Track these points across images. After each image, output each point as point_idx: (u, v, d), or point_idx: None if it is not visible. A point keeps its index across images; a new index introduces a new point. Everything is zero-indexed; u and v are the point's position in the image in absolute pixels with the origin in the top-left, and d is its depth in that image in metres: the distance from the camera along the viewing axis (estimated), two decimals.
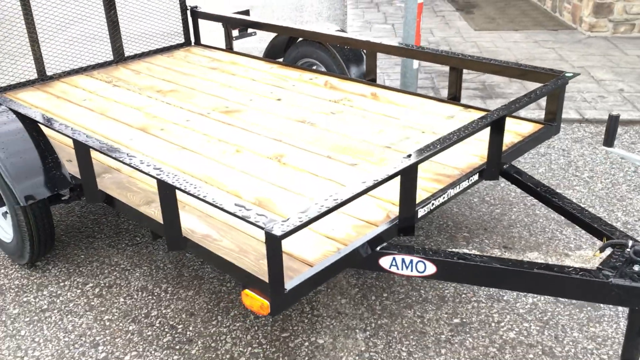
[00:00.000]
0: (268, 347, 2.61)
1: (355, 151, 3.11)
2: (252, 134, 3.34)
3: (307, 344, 2.63)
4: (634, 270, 2.17)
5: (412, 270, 2.36)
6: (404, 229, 2.46)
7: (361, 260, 2.36)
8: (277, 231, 1.88)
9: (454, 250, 2.32)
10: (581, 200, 3.80)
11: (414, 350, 2.59)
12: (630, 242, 2.30)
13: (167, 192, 2.26)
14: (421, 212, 2.55)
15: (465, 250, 3.17)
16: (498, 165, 2.88)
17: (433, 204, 2.61)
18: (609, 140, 2.09)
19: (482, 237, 3.39)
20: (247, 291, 2.13)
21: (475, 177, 2.85)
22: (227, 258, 2.24)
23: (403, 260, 2.35)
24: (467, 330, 2.70)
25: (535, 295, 2.92)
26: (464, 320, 2.77)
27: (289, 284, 2.07)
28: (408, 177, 2.33)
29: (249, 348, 2.61)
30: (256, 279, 2.12)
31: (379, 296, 2.93)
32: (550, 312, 2.82)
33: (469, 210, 3.68)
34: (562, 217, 3.56)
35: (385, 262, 2.37)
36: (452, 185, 2.73)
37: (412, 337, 2.67)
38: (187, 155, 3.11)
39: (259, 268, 2.18)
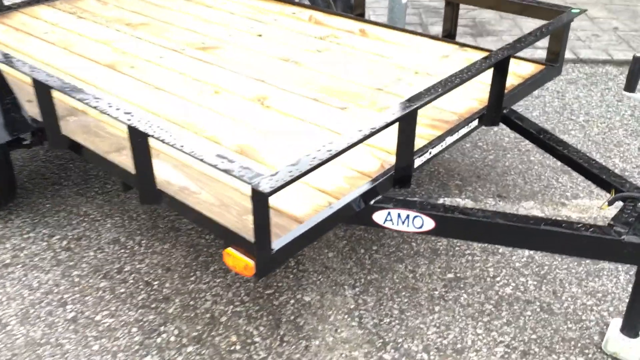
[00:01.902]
0: (251, 305, 2.44)
1: (344, 93, 2.86)
2: (231, 73, 3.07)
3: (292, 301, 2.47)
4: None
5: (408, 226, 2.18)
6: (400, 180, 2.26)
7: (354, 216, 2.17)
8: (265, 187, 1.66)
9: (454, 204, 2.14)
10: (577, 145, 3.63)
11: (406, 308, 2.44)
12: None
13: (139, 140, 2.01)
14: (417, 162, 2.35)
15: (467, 201, 3.01)
16: (499, 110, 2.68)
17: (430, 152, 2.41)
18: (631, 85, 1.89)
19: (475, 185, 3.22)
20: (229, 250, 1.93)
21: (475, 122, 2.64)
22: (207, 213, 2.02)
23: (399, 215, 2.16)
24: (462, 285, 2.56)
25: None
26: (458, 275, 2.62)
27: (276, 243, 1.87)
28: (407, 124, 2.11)
29: (231, 306, 2.43)
30: (240, 238, 1.92)
31: (368, 249, 2.76)
32: (547, 265, 2.68)
33: (461, 156, 3.49)
34: (558, 164, 3.40)
35: (379, 217, 2.18)
36: (450, 132, 2.52)
37: (404, 293, 2.52)
38: (160, 96, 2.83)
39: (243, 224, 1.98)
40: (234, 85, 2.94)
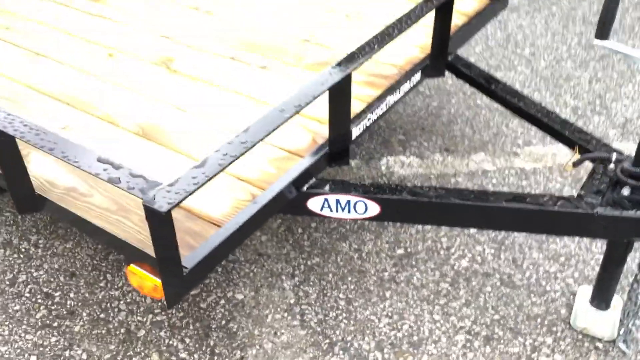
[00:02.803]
0: (174, 312, 2.09)
1: (265, 48, 2.44)
2: (129, 30, 2.57)
3: (222, 301, 2.13)
4: (622, 194, 1.74)
5: (350, 212, 1.84)
6: (337, 157, 1.91)
7: (284, 205, 1.81)
8: (161, 203, 1.28)
9: (401, 184, 1.81)
10: (525, 83, 3.35)
11: (353, 297, 2.14)
12: (613, 156, 1.86)
13: (3, 141, 1.57)
14: (356, 132, 1.99)
15: (412, 159, 2.68)
16: (444, 57, 2.32)
17: (369, 118, 2.05)
18: (604, 32, 1.58)
19: (420, 140, 2.90)
20: (133, 267, 1.55)
21: (418, 76, 2.28)
22: (100, 223, 1.63)
23: (338, 202, 1.82)
24: (414, 262, 2.27)
25: None
26: (409, 250, 2.33)
27: (189, 259, 1.50)
28: (340, 93, 1.74)
29: (150, 315, 2.07)
30: (144, 253, 1.54)
31: (306, 228, 2.42)
32: None
33: (401, 105, 3.15)
34: None
35: (315, 204, 1.83)
36: (391, 90, 2.16)
37: (349, 278, 2.22)
38: (42, 65, 2.33)
39: (147, 234, 1.59)
40: (133, 45, 2.46)
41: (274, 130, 1.51)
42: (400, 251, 2.32)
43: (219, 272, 2.23)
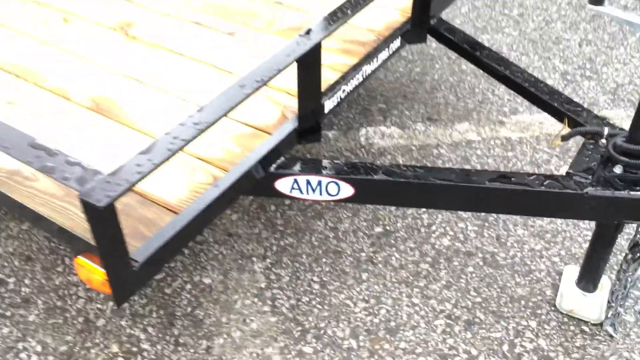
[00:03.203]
0: (136, 298, 1.96)
1: (234, 12, 2.25)
2: None
3: (189, 286, 2.00)
4: (614, 173, 1.61)
5: (321, 194, 1.70)
6: (307, 134, 1.76)
7: (250, 187, 1.67)
8: (100, 198, 1.13)
9: (377, 164, 1.67)
10: (512, 46, 3.18)
11: (328, 280, 2.03)
12: (605, 130, 1.72)
13: None
14: (329, 105, 1.83)
15: (393, 130, 2.53)
16: (426, 21, 2.16)
17: (344, 90, 1.89)
18: None
19: (401, 108, 2.75)
20: (80, 259, 1.42)
21: (397, 42, 2.12)
22: (44, 211, 1.48)
23: (308, 183, 1.68)
24: (392, 241, 2.15)
25: None
26: (388, 228, 2.20)
27: (140, 252, 1.36)
28: (309, 64, 1.58)
29: (110, 303, 1.94)
30: (91, 245, 1.40)
31: (279, 205, 2.29)
32: None
33: (383, 71, 2.98)
34: None
35: (283, 185, 1.69)
36: (368, 58, 2.00)
37: (324, 260, 2.09)
38: None
39: None
40: (89, 9, 2.27)
41: (231, 109, 1.35)
42: (378, 229, 2.20)
43: (185, 254, 2.10)
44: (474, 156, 2.50)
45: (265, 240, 2.16)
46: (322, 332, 1.87)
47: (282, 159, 1.70)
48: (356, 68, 1.95)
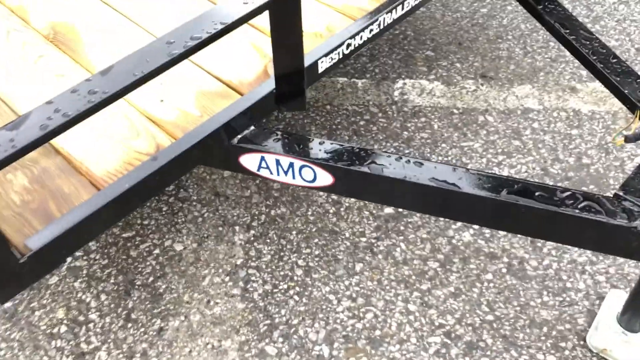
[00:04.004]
0: (98, 257, 1.75)
1: None
2: None
3: (157, 251, 1.76)
4: None
5: (294, 178, 1.37)
6: (287, 98, 1.41)
7: (209, 158, 1.37)
8: None
9: (368, 149, 1.31)
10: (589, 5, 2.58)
11: (315, 266, 1.73)
12: None
13: None
14: (325, 64, 1.46)
15: (436, 85, 2.11)
16: None
17: (350, 45, 1.50)
18: None
19: (452, 59, 2.30)
20: None
21: None
22: None
23: (278, 163, 1.35)
24: (402, 228, 1.80)
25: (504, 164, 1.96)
26: (401, 209, 1.85)
27: (34, 241, 1.11)
28: (284, 11, 1.21)
29: (69, 259, 1.74)
30: None
31: None
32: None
33: (440, 9, 2.51)
34: None
35: (249, 162, 1.37)
36: (389, 4, 1.58)
37: (317, 240, 1.78)
38: None
39: None
40: None
41: (150, 77, 1.03)
42: (389, 210, 1.85)
43: (162, 211, 1.85)
44: (528, 130, 2.06)
45: (255, 206, 1.87)
46: (292, 330, 1.59)
47: (252, 128, 1.37)
48: (373, 16, 1.54)
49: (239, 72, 1.44)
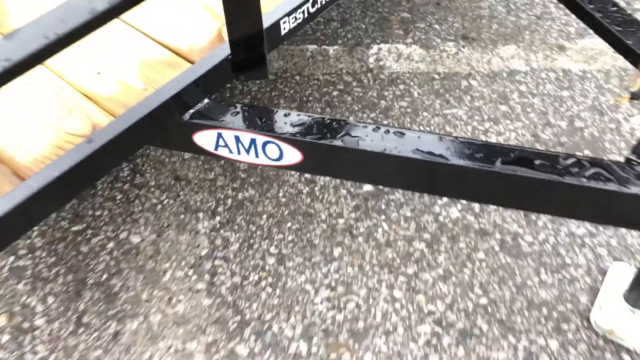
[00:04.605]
0: (44, 254, 1.56)
1: None
2: None
3: (111, 244, 1.58)
4: None
5: (257, 156, 1.19)
6: (245, 66, 1.22)
7: (157, 138, 1.18)
8: None
9: (343, 119, 1.13)
10: None
11: (288, 253, 1.55)
12: None
13: None
14: (288, 24, 1.27)
15: (413, 49, 1.93)
16: None
17: (315, 2, 1.32)
18: None
19: (430, 20, 2.12)
20: None
21: None
22: None
23: (238, 140, 1.17)
24: (383, 206, 1.64)
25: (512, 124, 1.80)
26: (381, 187, 1.68)
27: None
28: None
29: (11, 258, 1.55)
30: None
31: None
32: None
33: None
34: None
35: (205, 140, 1.19)
36: None
37: (289, 224, 1.61)
38: None
39: None
40: None
41: (68, 40, 0.83)
42: (368, 187, 1.68)
43: (117, 200, 1.66)
44: (515, 93, 1.89)
45: (220, 190, 1.68)
46: (265, 326, 1.42)
47: (207, 101, 1.18)
48: None
49: (188, 37, 1.25)
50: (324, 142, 1.11)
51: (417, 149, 1.08)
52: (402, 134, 1.11)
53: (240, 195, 1.67)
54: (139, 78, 1.18)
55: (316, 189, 1.68)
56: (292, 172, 1.71)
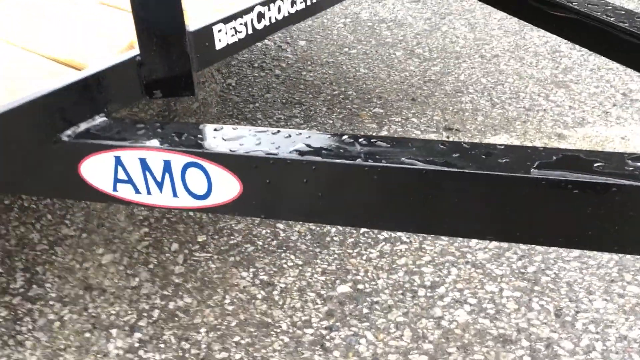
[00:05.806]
0: None
1: None
2: None
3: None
4: None
5: (175, 194, 0.80)
6: (163, 76, 0.88)
7: (17, 172, 0.79)
8: None
9: (299, 130, 0.78)
10: None
11: None
12: None
13: None
14: (225, 36, 0.96)
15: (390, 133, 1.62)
16: None
17: (262, 17, 1.02)
18: None
19: (406, 114, 1.85)
20: None
21: None
22: None
23: (145, 166, 0.78)
24: (363, 310, 1.21)
25: None
26: (360, 285, 1.27)
27: None
28: None
29: None
30: None
31: (183, 243, 1.39)
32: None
33: (385, 70, 2.11)
34: (547, 73, 2.04)
35: (96, 171, 0.80)
36: None
37: (236, 339, 1.16)
38: None
39: None
40: None
41: None
42: (344, 288, 1.26)
43: None
44: None
45: (145, 299, 1.23)
46: None
47: (100, 119, 0.82)
48: None
49: (80, 41, 0.92)
50: (275, 157, 0.74)
51: (411, 157, 0.72)
52: (395, 141, 0.76)
53: (171, 305, 1.23)
54: (2, 88, 0.82)
55: (274, 292, 1.25)
56: (243, 274, 1.29)
